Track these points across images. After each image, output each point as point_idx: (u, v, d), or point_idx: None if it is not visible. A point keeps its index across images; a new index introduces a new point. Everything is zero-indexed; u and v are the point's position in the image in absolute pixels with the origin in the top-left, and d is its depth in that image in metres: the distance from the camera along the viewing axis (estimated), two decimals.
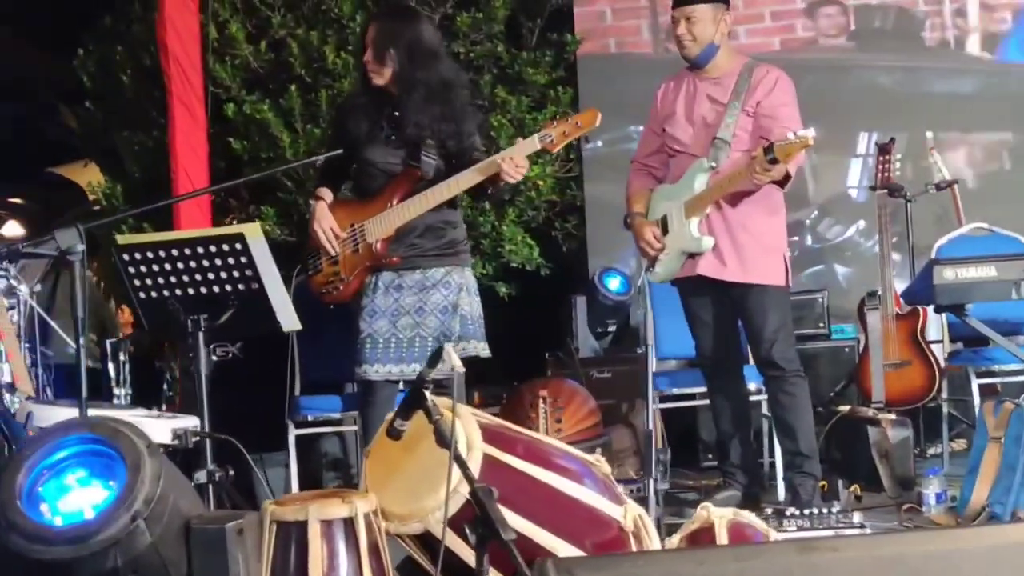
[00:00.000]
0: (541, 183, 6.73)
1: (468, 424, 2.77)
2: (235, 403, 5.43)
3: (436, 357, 2.67)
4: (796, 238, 6.96)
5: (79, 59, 7.34)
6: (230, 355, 5.38)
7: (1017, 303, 4.92)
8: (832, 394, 6.01)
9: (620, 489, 3.18)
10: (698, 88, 4.93)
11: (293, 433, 5.12)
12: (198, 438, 3.76)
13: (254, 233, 4.44)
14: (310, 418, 5.16)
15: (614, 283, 6.58)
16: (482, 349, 4.78)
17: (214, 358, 5.60)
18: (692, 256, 4.89)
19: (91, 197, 7.57)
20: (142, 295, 4.57)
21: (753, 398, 5.21)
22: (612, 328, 6.54)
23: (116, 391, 5.35)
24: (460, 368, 2.64)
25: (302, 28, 6.60)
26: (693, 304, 5.01)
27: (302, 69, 6.58)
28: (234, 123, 6.63)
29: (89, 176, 8.05)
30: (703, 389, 5.27)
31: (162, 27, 6.41)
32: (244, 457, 3.98)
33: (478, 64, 6.81)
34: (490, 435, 2.81)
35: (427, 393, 2.63)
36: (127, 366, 5.34)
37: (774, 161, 4.53)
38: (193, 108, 6.40)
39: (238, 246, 4.42)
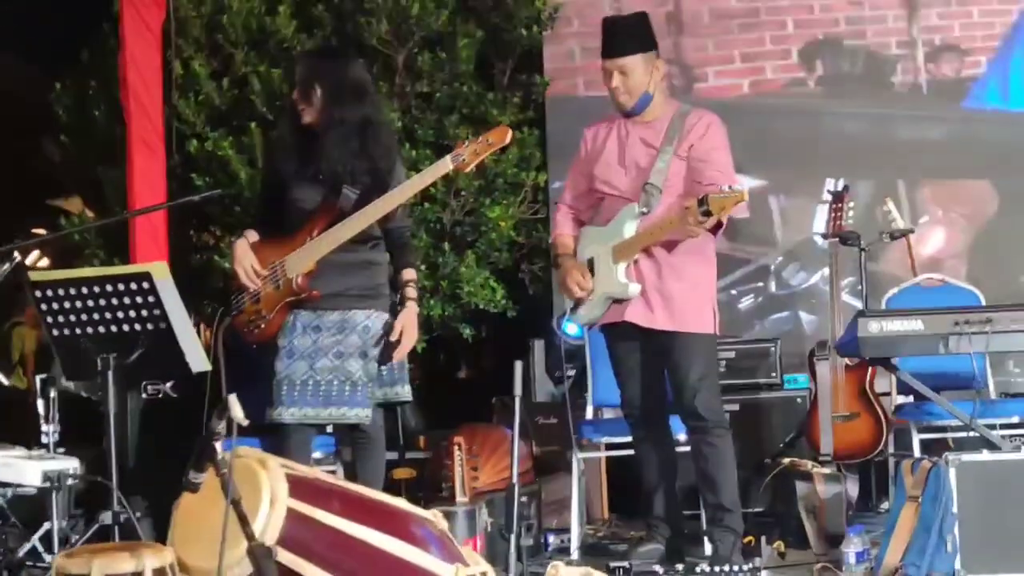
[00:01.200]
0: (503, 224, 6.66)
1: (274, 478, 2.70)
2: (164, 442, 5.41)
3: (223, 407, 2.61)
4: (760, 284, 6.85)
5: (56, 92, 7.38)
6: (160, 394, 5.34)
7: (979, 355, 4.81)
8: (781, 445, 5.88)
9: (460, 547, 3.09)
10: (631, 132, 4.85)
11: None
12: (72, 481, 3.72)
13: (161, 272, 4.44)
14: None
15: (572, 328, 6.49)
16: (406, 393, 4.74)
17: (144, 396, 5.61)
18: (618, 301, 4.81)
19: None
20: (55, 332, 4.60)
21: (681, 449, 5.10)
22: (571, 373, 6.44)
23: (44, 428, 5.32)
24: (243, 420, 2.57)
25: (264, 65, 6.59)
26: (619, 350, 4.92)
27: (264, 107, 6.58)
28: (197, 159, 6.63)
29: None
30: None
31: (123, 63, 6.43)
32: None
33: (444, 104, 6.77)
34: (301, 489, 2.74)
35: (216, 444, 2.56)
36: (56, 403, 5.31)
37: (707, 214, 4.45)
38: (152, 144, 6.41)
39: (145, 284, 4.43)
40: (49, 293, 4.50)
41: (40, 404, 5.37)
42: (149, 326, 4.45)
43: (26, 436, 5.09)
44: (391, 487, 5.61)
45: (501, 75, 7.08)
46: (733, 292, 6.87)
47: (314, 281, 4.64)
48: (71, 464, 3.86)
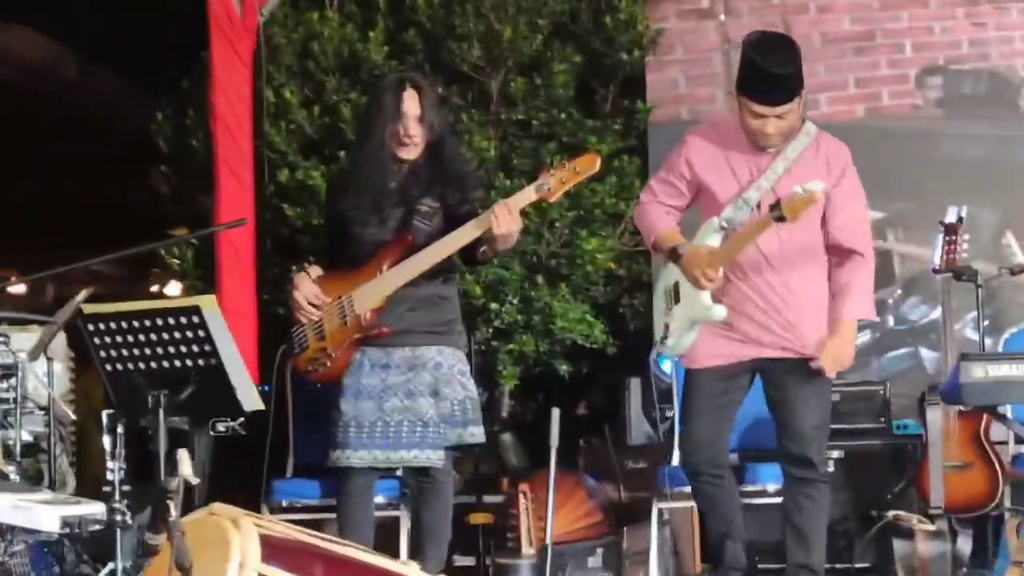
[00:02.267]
0: (600, 256, 6.37)
1: (246, 539, 2.47)
2: (234, 481, 5.25)
3: (174, 463, 2.38)
4: (878, 319, 6.42)
5: (156, 122, 7.34)
6: (230, 431, 5.17)
7: None
8: (889, 497, 5.45)
9: None
10: (763, 164, 4.38)
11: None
12: (96, 527, 3.54)
13: (210, 306, 4.24)
14: (285, 504, 4.88)
15: (669, 365, 6.15)
16: (479, 435, 4.51)
17: (213, 433, 5.45)
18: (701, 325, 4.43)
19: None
20: (108, 367, 4.43)
21: (768, 500, 4.70)
22: (670, 414, 6.11)
23: (110, 464, 5.20)
24: (192, 479, 2.34)
25: (355, 93, 6.43)
26: (712, 385, 4.49)
27: (354, 135, 6.40)
28: (288, 189, 6.50)
29: None
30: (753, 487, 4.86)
31: (212, 91, 6.33)
32: None
33: (540, 132, 6.52)
34: (277, 552, 2.50)
35: (170, 504, 2.33)
36: (123, 440, 5.18)
37: (780, 219, 4.10)
38: (240, 173, 6.28)
39: (195, 319, 4.22)
40: (101, 327, 4.35)
41: (106, 440, 5.26)
42: (200, 362, 4.26)
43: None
44: (467, 532, 5.37)
45: (603, 101, 6.79)
46: None
47: (382, 317, 4.46)
48: (94, 509, 3.68)
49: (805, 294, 4.41)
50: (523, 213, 6.00)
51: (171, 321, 4.24)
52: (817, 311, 4.42)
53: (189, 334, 4.23)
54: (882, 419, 5.70)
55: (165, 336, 4.26)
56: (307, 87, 6.59)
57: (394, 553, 4.69)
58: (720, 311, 4.35)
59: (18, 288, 15.98)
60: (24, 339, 5.26)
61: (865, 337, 6.41)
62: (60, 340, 5.74)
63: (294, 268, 4.63)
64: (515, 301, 6.30)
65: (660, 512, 4.88)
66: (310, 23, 6.54)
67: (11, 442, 5.10)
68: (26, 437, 5.46)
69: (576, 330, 6.37)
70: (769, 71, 4.18)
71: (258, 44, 6.44)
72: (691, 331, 4.45)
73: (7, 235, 12.19)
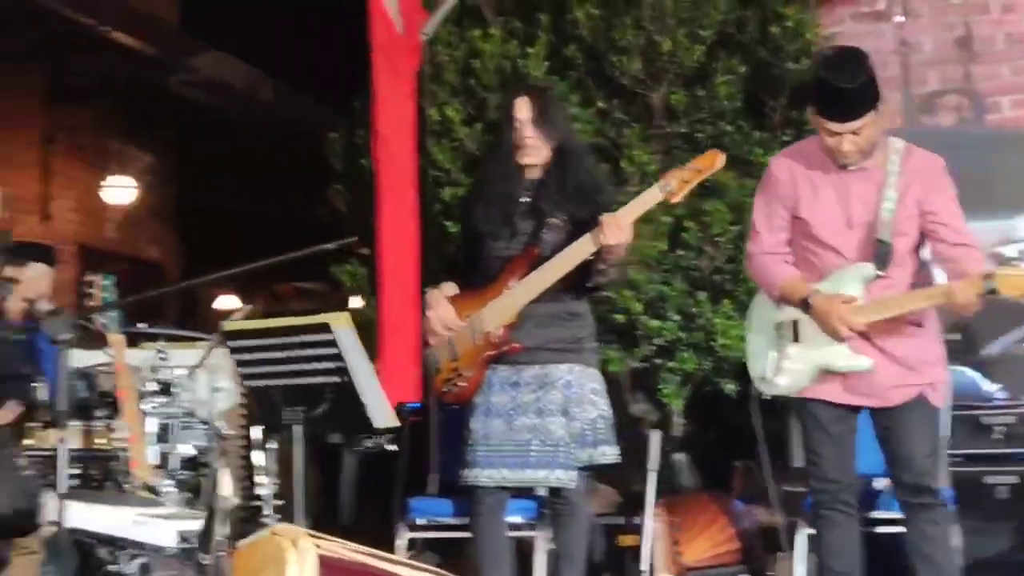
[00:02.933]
0: None
1: (303, 559, 2.45)
2: (382, 497, 5.26)
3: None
4: None
5: (329, 141, 7.47)
6: (377, 448, 5.20)
7: None
8: None
9: None
10: (851, 186, 4.23)
11: (405, 537, 4.85)
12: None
13: (341, 323, 4.27)
14: (421, 521, 4.86)
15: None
16: (612, 455, 4.42)
17: (360, 448, 5.49)
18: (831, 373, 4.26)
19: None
20: (249, 383, 4.52)
21: (890, 529, 4.45)
22: None
23: (258, 480, 5.29)
24: (231, 499, 2.33)
25: None
26: (827, 419, 4.32)
27: None
28: (452, 207, 6.51)
29: None
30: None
31: (374, 109, 6.39)
32: None
33: (706, 145, 6.36)
34: (334, 572, 2.47)
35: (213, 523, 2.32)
36: (275, 455, 5.27)
37: (993, 291, 3.94)
38: (402, 192, 6.31)
39: (326, 336, 4.27)
40: (241, 344, 4.45)
41: (255, 456, 5.36)
42: (333, 378, 4.30)
43: None
44: (614, 554, 5.27)
45: (771, 112, 6.59)
46: None
47: (514, 333, 4.41)
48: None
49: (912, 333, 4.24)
50: (684, 228, 5.98)
51: (303, 338, 4.30)
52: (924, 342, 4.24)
53: (321, 351, 4.28)
54: None
55: (299, 353, 4.33)
56: (470, 105, 6.59)
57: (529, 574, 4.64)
58: (866, 362, 4.18)
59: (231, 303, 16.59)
60: (183, 356, 5.39)
61: None
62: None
63: (428, 289, 4.63)
64: (676, 318, 6.17)
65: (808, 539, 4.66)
66: (472, 40, 6.54)
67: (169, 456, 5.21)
68: (189, 451, 5.60)
69: (738, 348, 6.16)
70: (838, 87, 4.05)
71: (421, 63, 6.49)
72: (812, 376, 4.28)
73: (217, 252, 12.64)
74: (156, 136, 12.29)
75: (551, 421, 4.34)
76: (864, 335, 4.18)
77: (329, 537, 2.67)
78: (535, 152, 4.45)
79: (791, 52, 6.38)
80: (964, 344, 5.97)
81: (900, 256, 4.20)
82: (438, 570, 2.78)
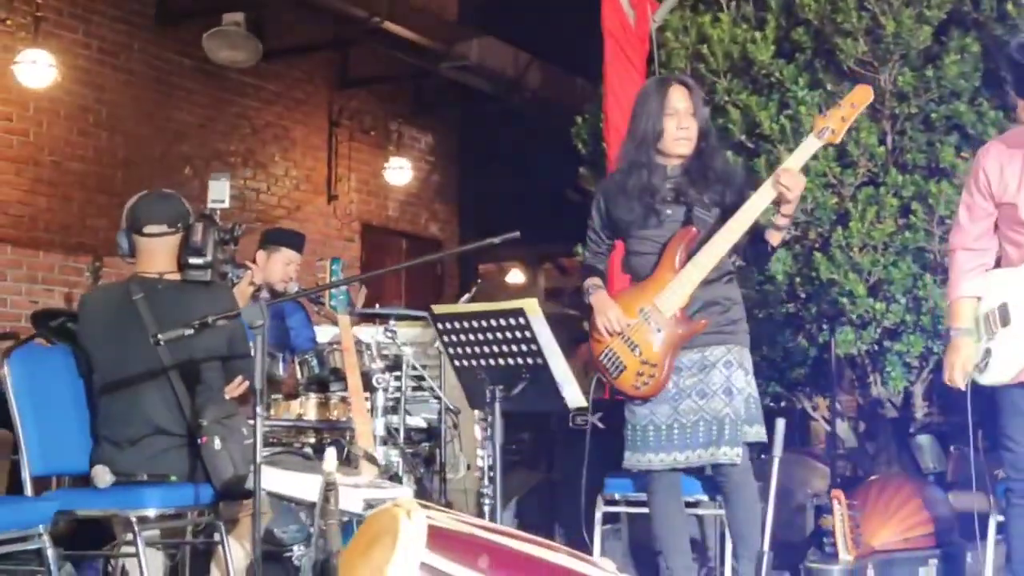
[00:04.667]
0: None
1: (414, 529, 2.69)
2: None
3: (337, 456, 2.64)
4: None
5: (576, 126, 7.72)
6: (588, 424, 5.42)
7: None
8: None
9: None
10: None
11: (601, 510, 5.06)
12: None
13: (533, 309, 4.51)
14: (617, 496, 5.07)
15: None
16: (760, 434, 4.50)
17: (572, 425, 5.73)
18: None
19: None
20: (456, 363, 4.81)
21: None
22: None
23: (479, 452, 5.61)
24: (335, 475, 2.58)
25: (744, 93, 6.49)
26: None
27: (741, 135, 6.49)
28: None
29: None
30: None
31: (606, 98, 6.62)
32: None
33: (939, 126, 6.29)
34: (444, 543, 2.71)
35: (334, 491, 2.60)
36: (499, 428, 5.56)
37: None
38: None
39: (521, 320, 4.51)
40: (448, 326, 4.74)
41: (476, 429, 5.68)
42: (529, 360, 4.54)
43: None
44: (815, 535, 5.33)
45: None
46: None
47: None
48: (400, 493, 4.04)
49: None
50: (911, 210, 5.94)
51: (500, 322, 4.55)
52: None
53: (517, 334, 4.50)
54: None
55: (498, 336, 4.57)
56: (702, 89, 6.69)
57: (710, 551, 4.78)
58: None
59: (517, 278, 17.09)
60: (411, 334, 5.76)
61: None
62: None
63: (587, 291, 4.73)
64: (902, 300, 6.14)
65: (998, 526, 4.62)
66: (702, 26, 6.65)
67: (397, 428, 5.60)
68: (420, 424, 6.00)
69: None
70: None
71: (651, 50, 6.67)
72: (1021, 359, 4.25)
73: (495, 230, 13.10)
74: (437, 119, 12.86)
75: (715, 400, 4.45)
76: None
77: (445, 509, 2.91)
78: (686, 144, 4.56)
79: None
80: None
81: None
82: (550, 542, 2.98)
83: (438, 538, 2.74)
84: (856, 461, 7.33)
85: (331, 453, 2.68)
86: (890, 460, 7.10)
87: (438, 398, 5.98)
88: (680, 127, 4.57)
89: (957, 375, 4.30)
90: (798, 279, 6.43)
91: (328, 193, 11.67)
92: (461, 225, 13.23)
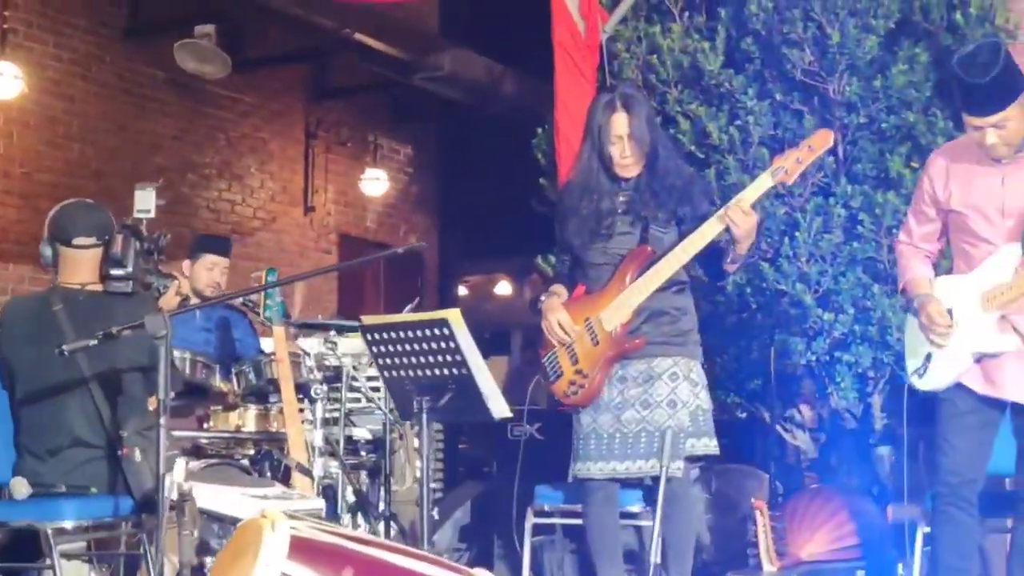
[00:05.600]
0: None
1: (276, 540, 2.68)
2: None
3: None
4: None
5: (536, 137, 7.70)
6: (525, 435, 5.42)
7: None
8: None
9: None
10: (1006, 176, 4.23)
11: (531, 521, 5.05)
12: None
13: (456, 318, 4.51)
14: (547, 507, 5.05)
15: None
16: (712, 447, 4.49)
17: (511, 437, 5.72)
18: (979, 361, 4.24)
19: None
20: (385, 374, 4.81)
21: None
22: None
23: (417, 463, 5.58)
24: (184, 486, 2.57)
25: (695, 104, 6.48)
26: (966, 408, 4.30)
27: (691, 145, 6.48)
28: None
29: None
30: None
31: (556, 108, 6.61)
32: None
33: (888, 136, 6.28)
34: (306, 552, 2.69)
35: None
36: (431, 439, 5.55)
37: None
38: None
39: (445, 331, 4.51)
40: (376, 336, 4.73)
41: (416, 440, 5.66)
42: (454, 371, 4.53)
43: None
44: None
45: None
46: None
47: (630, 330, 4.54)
48: (313, 505, 4.04)
49: None
50: (859, 221, 5.93)
51: (425, 332, 4.55)
52: None
53: (442, 344, 4.51)
54: None
55: (424, 346, 4.57)
56: (651, 99, 6.69)
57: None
58: (1013, 341, 4.14)
59: (504, 289, 17.06)
60: (355, 345, 5.74)
61: None
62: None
63: (542, 297, 4.76)
64: (850, 311, 6.12)
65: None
66: (653, 37, 6.65)
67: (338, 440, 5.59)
68: (365, 435, 5.98)
69: None
70: (972, 82, 4.05)
71: (601, 61, 6.66)
72: (964, 364, 4.25)
73: (474, 240, 13.14)
74: (415, 130, 12.87)
75: (658, 412, 4.45)
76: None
77: (316, 520, 2.90)
78: (634, 167, 4.56)
79: (977, 39, 6.17)
80: None
81: None
82: (417, 550, 2.97)
83: (301, 549, 2.73)
84: (818, 472, 7.30)
85: (180, 463, 2.67)
86: (850, 471, 7.08)
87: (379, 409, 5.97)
88: (623, 155, 4.58)
89: (932, 334, 4.29)
90: (748, 289, 6.41)
91: (305, 204, 11.68)
92: (441, 236, 13.23)
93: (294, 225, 11.59)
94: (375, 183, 12.03)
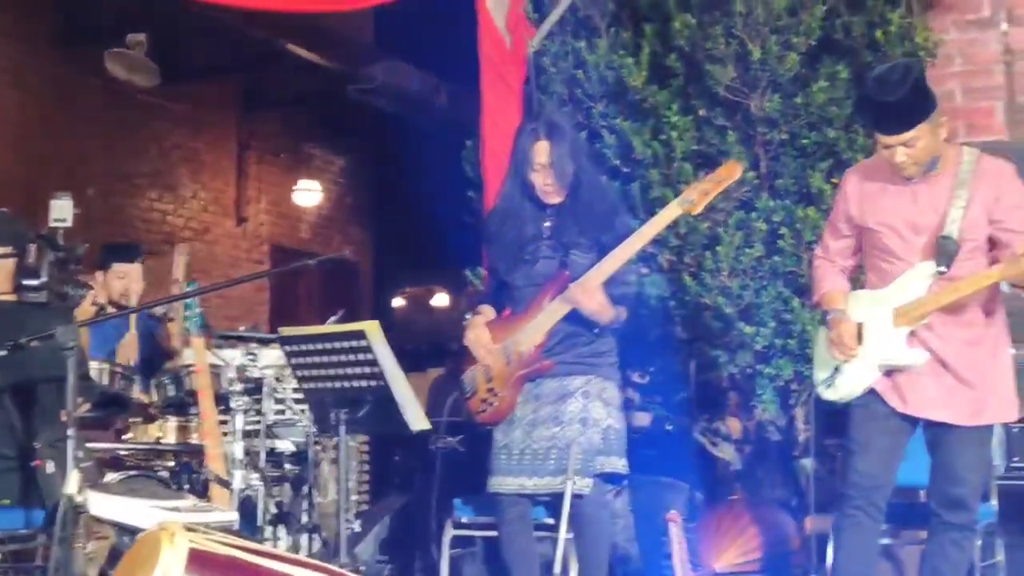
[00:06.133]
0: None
1: (173, 553, 2.69)
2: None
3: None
4: None
5: (465, 149, 7.72)
6: (449, 447, 5.44)
7: None
8: None
9: None
10: (918, 194, 4.31)
11: (450, 533, 5.07)
12: None
13: (373, 330, 4.52)
14: (464, 519, 5.07)
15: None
16: (621, 466, 4.52)
17: (433, 448, 5.73)
18: (889, 375, 4.31)
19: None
20: (303, 385, 4.81)
21: None
22: None
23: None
24: (77, 496, 2.57)
25: (619, 118, 6.53)
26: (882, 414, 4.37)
27: (616, 159, 6.53)
28: None
29: None
30: None
31: (482, 121, 6.64)
32: None
33: (809, 152, 6.36)
34: (203, 565, 2.70)
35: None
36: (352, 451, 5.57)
37: None
38: None
39: (362, 342, 4.52)
40: (295, 348, 4.74)
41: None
42: (372, 383, 4.54)
43: None
44: None
45: None
46: None
47: (544, 351, 4.57)
48: (224, 517, 4.03)
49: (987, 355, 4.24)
50: (779, 235, 6.00)
51: (343, 344, 4.56)
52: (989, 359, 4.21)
53: (359, 356, 4.52)
54: None
55: (342, 358, 4.59)
56: (578, 114, 6.75)
57: None
58: (921, 355, 4.20)
59: (442, 300, 17.04)
60: (274, 356, 5.74)
61: None
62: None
63: (467, 315, 4.80)
64: (771, 324, 6.19)
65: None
66: (579, 52, 6.69)
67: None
68: (289, 447, 5.97)
69: None
70: (881, 101, 4.14)
71: (528, 75, 6.70)
72: (872, 375, 4.31)
73: (407, 251, 13.13)
74: (350, 141, 12.86)
75: (569, 429, 4.46)
76: (939, 356, 4.24)
77: (215, 533, 2.91)
78: (556, 195, 4.59)
79: (897, 57, 6.28)
80: None
81: (965, 256, 4.19)
82: (320, 563, 2.98)
83: (199, 561, 2.74)
84: (743, 484, 7.37)
85: (74, 476, 2.66)
86: (774, 483, 7.15)
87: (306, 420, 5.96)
88: (545, 183, 4.61)
89: (837, 351, 4.36)
90: (672, 303, 6.47)
91: (237, 215, 11.64)
92: (375, 247, 13.22)
93: (226, 236, 11.55)
94: (308, 194, 12.02)
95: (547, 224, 4.63)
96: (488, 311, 4.75)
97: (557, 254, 4.59)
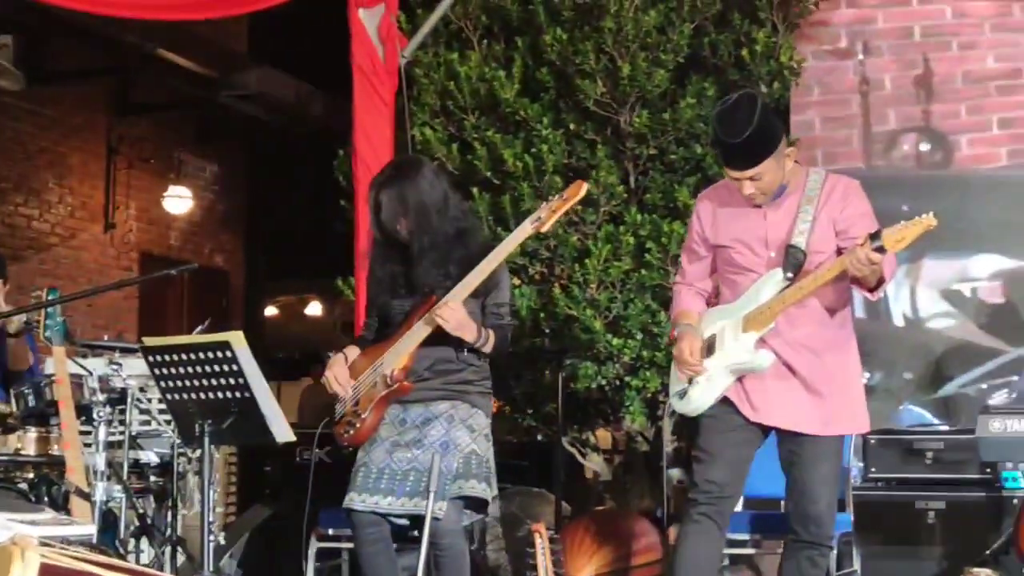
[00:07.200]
0: None
1: (25, 566, 2.64)
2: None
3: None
4: (1015, 377, 6.03)
5: (338, 159, 7.70)
6: (314, 459, 5.39)
7: None
8: (987, 553, 5.09)
9: None
10: (768, 215, 4.39)
11: (315, 546, 5.05)
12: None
13: (239, 341, 4.48)
14: (330, 532, 5.06)
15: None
16: (481, 490, 4.50)
17: (299, 460, 5.70)
18: (741, 380, 4.38)
19: None
20: (168, 396, 4.74)
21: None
22: None
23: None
24: None
25: (492, 131, 6.57)
26: (731, 422, 4.42)
27: (487, 171, 6.56)
28: None
29: None
30: None
31: (354, 132, 6.63)
32: None
33: (677, 167, 6.47)
34: None
35: None
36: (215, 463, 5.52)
37: (880, 250, 3.97)
38: None
39: (228, 353, 4.47)
40: (158, 358, 4.67)
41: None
42: (237, 394, 4.49)
43: None
44: None
45: None
46: (983, 387, 6.07)
47: (409, 378, 4.57)
48: (82, 531, 3.97)
49: (836, 365, 4.32)
50: (646, 249, 6.08)
51: (208, 355, 4.51)
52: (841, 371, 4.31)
53: (224, 367, 4.47)
54: (988, 470, 5.31)
55: (207, 368, 4.53)
56: (450, 125, 6.78)
57: None
58: (767, 357, 4.27)
59: (315, 310, 16.85)
60: (138, 366, 5.64)
61: (1002, 397, 6.04)
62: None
63: (330, 354, 4.78)
64: (639, 337, 6.28)
65: None
66: (451, 64, 6.72)
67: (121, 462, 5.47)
68: (153, 458, 5.87)
69: None
70: (725, 141, 4.19)
71: (401, 85, 6.70)
72: (723, 381, 4.38)
73: (282, 259, 13.05)
74: (223, 149, 12.73)
75: (429, 452, 4.44)
76: (786, 362, 4.30)
77: (68, 547, 2.86)
78: (412, 234, 4.58)
79: (762, 74, 6.44)
80: (920, 383, 6.04)
81: (813, 268, 4.26)
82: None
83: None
84: (612, 494, 7.45)
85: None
86: (643, 493, 7.25)
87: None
88: (397, 228, 4.61)
89: (680, 368, 4.41)
90: (542, 315, 6.52)
91: (105, 221, 11.44)
92: (247, 256, 13.09)
93: (94, 242, 11.34)
94: (179, 201, 11.86)
95: (410, 261, 4.62)
96: (352, 350, 4.74)
97: (421, 291, 4.59)
